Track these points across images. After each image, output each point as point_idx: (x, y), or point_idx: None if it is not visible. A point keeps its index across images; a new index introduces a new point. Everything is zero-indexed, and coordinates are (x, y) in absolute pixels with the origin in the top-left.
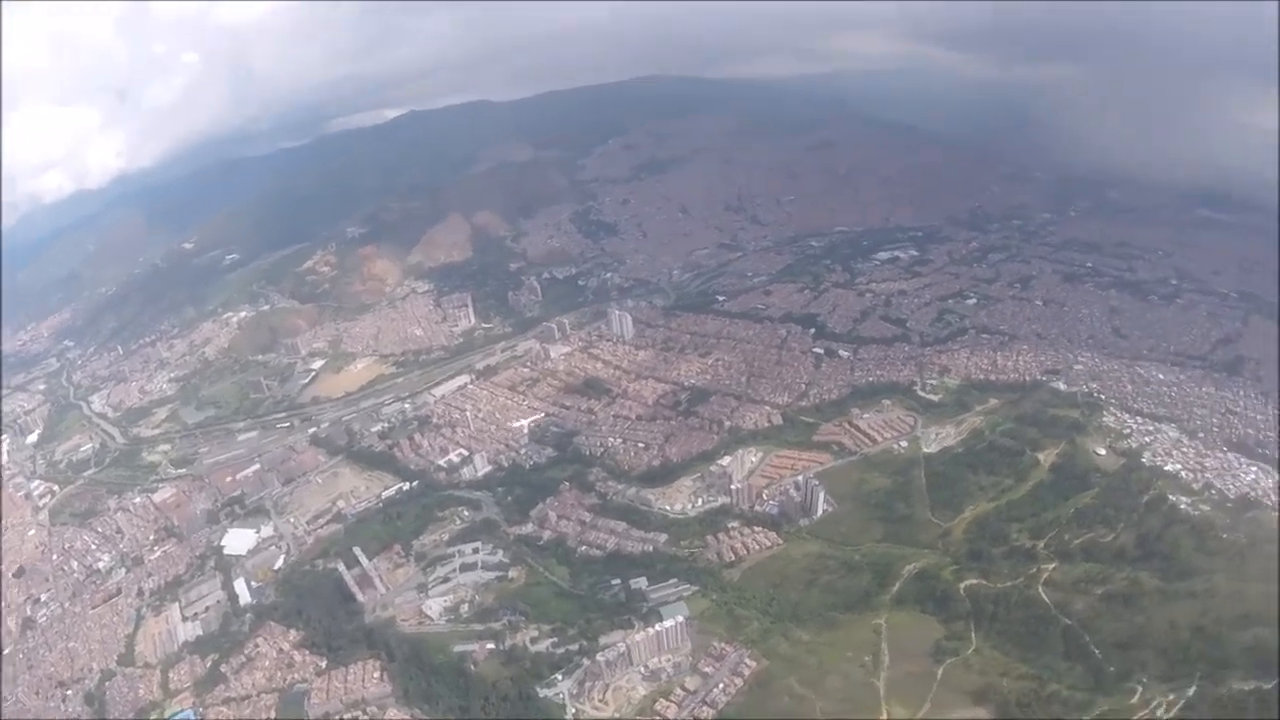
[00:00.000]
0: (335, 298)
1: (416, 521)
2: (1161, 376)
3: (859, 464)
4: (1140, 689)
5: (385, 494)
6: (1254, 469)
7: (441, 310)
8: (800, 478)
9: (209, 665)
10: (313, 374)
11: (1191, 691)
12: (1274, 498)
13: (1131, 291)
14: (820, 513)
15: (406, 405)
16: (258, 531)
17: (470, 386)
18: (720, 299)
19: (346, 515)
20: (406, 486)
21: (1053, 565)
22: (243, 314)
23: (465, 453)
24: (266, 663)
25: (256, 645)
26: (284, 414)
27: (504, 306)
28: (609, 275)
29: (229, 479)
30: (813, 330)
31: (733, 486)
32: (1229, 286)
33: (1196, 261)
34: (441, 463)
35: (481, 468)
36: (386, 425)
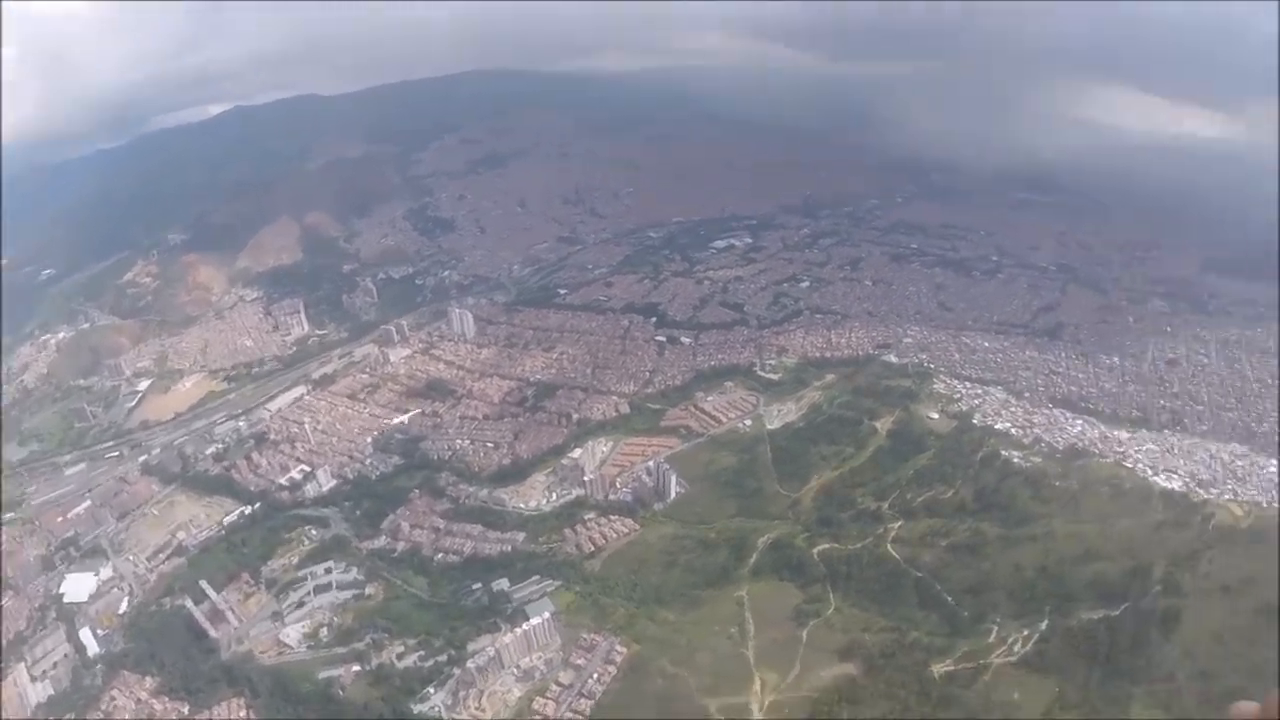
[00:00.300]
0: (159, 311)
1: (263, 546)
2: (986, 344)
3: (707, 445)
4: (995, 628)
5: (227, 520)
6: (1079, 422)
7: (272, 318)
8: (651, 463)
9: None
10: (139, 396)
11: (1044, 625)
12: (1100, 447)
13: (955, 269)
14: (673, 495)
15: (241, 423)
16: (97, 574)
17: (307, 398)
18: (562, 292)
19: (188, 547)
20: (248, 510)
21: (898, 524)
22: (61, 335)
23: (307, 468)
24: (125, 716)
25: (113, 699)
26: (112, 442)
27: (339, 311)
28: (447, 273)
29: (60, 519)
30: (654, 319)
31: (586, 478)
32: (1047, 261)
33: (1016, 239)
34: (283, 481)
35: (326, 483)
36: (221, 446)
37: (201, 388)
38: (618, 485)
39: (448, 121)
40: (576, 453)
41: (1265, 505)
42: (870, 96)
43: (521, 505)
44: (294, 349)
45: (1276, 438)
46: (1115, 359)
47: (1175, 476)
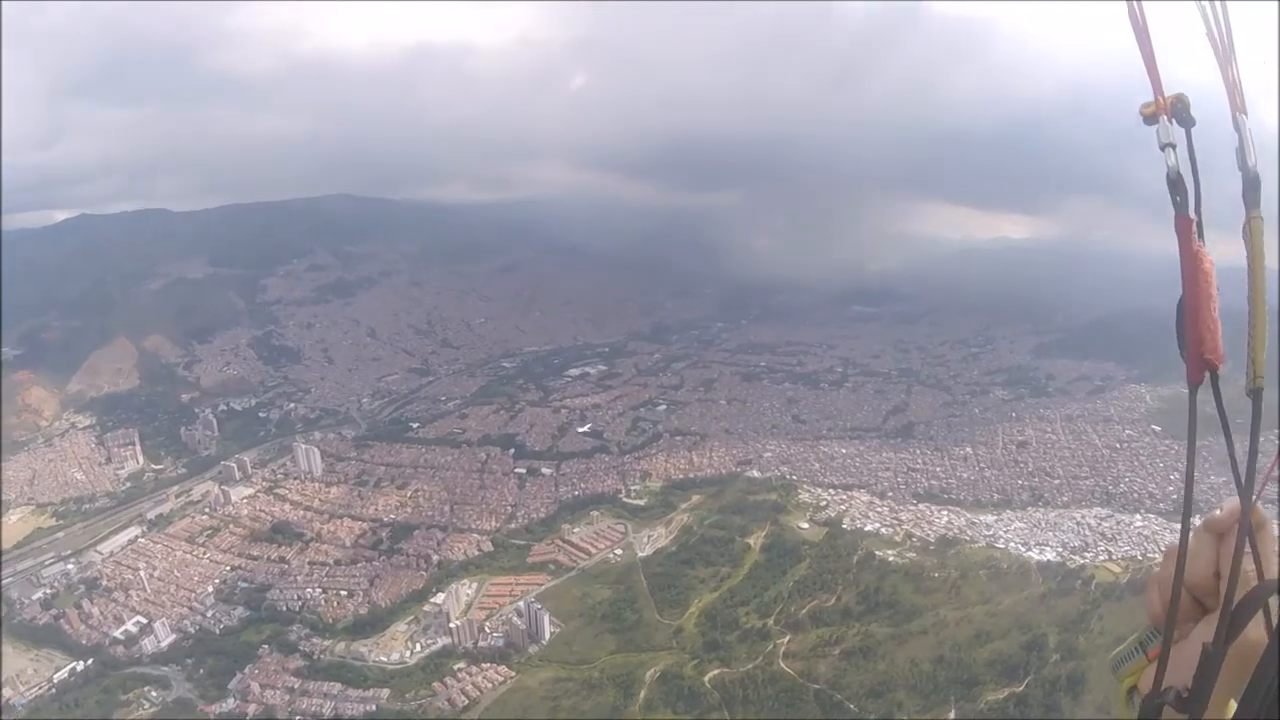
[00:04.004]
0: None
1: (99, 709)
2: (844, 450)
3: (578, 579)
4: None
5: (57, 677)
6: (945, 513)
7: (105, 449)
8: (521, 603)
9: None
10: None
11: (952, 715)
12: (969, 534)
13: (804, 382)
14: (548, 636)
15: (71, 565)
16: None
17: (142, 540)
18: (415, 426)
19: (16, 706)
20: (80, 666)
21: (787, 638)
22: None
23: (144, 620)
24: None
25: None
26: None
27: (176, 444)
28: (293, 406)
29: None
30: (513, 451)
31: (451, 624)
32: (889, 366)
33: (858, 350)
34: (118, 634)
35: (165, 636)
36: (49, 591)
37: (28, 523)
38: (487, 630)
39: (296, 246)
40: (439, 597)
41: (1140, 558)
42: (707, 226)
43: (383, 658)
44: (128, 484)
45: (1133, 496)
46: (968, 449)
47: (1048, 548)
